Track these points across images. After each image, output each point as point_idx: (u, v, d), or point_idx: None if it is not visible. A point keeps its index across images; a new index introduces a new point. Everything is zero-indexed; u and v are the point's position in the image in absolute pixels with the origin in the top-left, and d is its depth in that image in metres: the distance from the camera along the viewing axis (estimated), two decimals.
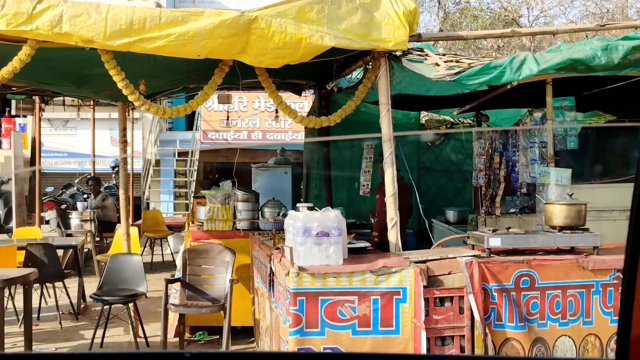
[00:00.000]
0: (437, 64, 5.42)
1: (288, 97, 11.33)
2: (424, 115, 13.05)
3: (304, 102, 15.04)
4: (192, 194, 15.53)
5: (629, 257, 0.84)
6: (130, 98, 5.18)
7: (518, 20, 23.34)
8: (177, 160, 18.20)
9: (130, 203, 14.77)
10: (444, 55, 6.04)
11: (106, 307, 7.22)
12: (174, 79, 7.07)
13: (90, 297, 7.57)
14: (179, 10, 4.96)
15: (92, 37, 4.72)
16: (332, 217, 4.92)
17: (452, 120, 10.81)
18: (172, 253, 13.11)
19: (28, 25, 4.68)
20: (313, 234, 4.85)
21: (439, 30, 22.91)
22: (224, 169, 14.68)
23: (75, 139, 18.00)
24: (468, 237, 5.44)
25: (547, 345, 4.96)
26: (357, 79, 7.30)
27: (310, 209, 5.27)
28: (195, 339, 7.60)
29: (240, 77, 5.90)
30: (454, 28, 23.43)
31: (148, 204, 16.90)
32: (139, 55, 5.04)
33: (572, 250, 5.19)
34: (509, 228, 5.38)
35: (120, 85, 5.14)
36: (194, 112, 18.01)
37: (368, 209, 8.93)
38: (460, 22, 24.37)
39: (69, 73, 6.71)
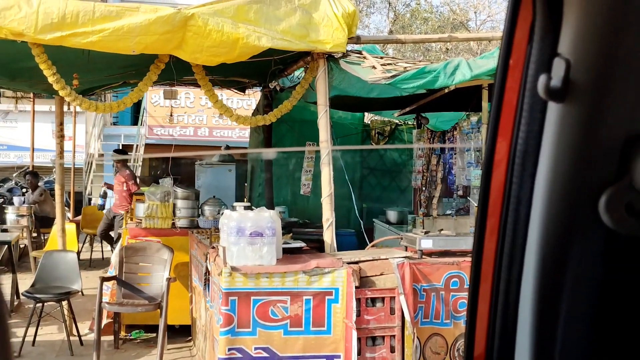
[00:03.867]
0: (374, 67, 5.48)
1: (232, 94, 11.30)
2: (371, 117, 13.16)
3: (251, 100, 15.00)
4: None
5: (475, 255, 0.88)
6: (61, 93, 5.11)
7: (466, 24, 23.74)
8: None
9: (71, 198, 14.59)
10: (381, 58, 6.12)
11: (39, 304, 7.09)
12: (112, 74, 6.98)
13: (23, 294, 7.42)
14: (113, 5, 4.91)
15: (22, 31, 4.63)
16: (266, 217, 4.94)
17: (396, 121, 10.93)
18: (112, 250, 12.92)
19: None
20: (247, 234, 4.86)
21: (389, 31, 23.12)
22: (169, 165, 14.52)
23: (15, 131, 17.53)
24: (402, 239, 5.53)
25: None
26: (299, 78, 7.33)
27: (246, 208, 5.28)
28: (131, 337, 7.52)
29: (178, 73, 5.86)
30: (404, 30, 23.66)
31: (90, 200, 16.62)
32: (73, 49, 4.97)
33: None
34: (441, 230, 5.48)
35: (51, 80, 5.06)
36: (139, 108, 17.87)
37: (311, 208, 8.98)
38: (411, 24, 24.63)
39: (1, 66, 6.56)
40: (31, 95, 11.36)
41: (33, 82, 7.47)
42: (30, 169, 13.10)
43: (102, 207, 11.34)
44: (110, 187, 11.10)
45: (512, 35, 0.79)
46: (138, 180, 11.38)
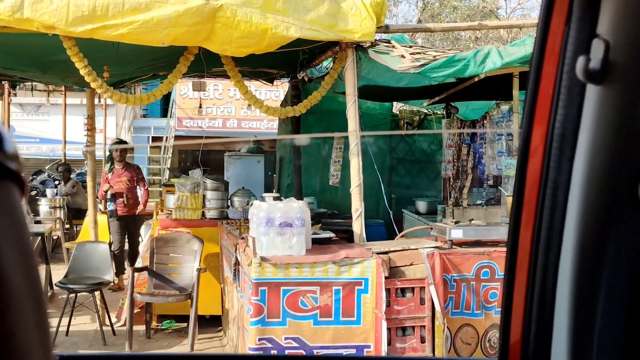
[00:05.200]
0: (402, 56, 5.45)
1: (260, 85, 11.32)
2: (401, 106, 13.09)
3: (280, 91, 15.02)
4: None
5: (510, 243, 0.87)
6: (92, 85, 5.16)
7: (496, 12, 23.47)
8: (151, 147, 18.11)
9: None
10: (410, 47, 6.07)
11: (72, 295, 7.20)
12: (141, 66, 7.03)
13: (56, 285, 7.54)
14: None
15: (53, 23, 4.68)
16: (295, 208, 4.95)
17: (425, 111, 10.86)
18: (142, 240, 13.05)
19: None
20: (276, 224, 4.87)
21: (417, 20, 22.96)
22: (198, 156, 14.63)
23: (47, 124, 17.80)
24: (431, 229, 5.50)
25: None
26: (327, 69, 7.31)
27: (275, 199, 5.29)
28: (162, 327, 7.60)
29: (207, 65, 5.88)
30: (433, 19, 23.46)
31: None
32: (103, 41, 5.01)
33: None
34: (472, 220, 5.44)
35: (82, 72, 5.12)
36: (169, 100, 18.00)
37: (340, 198, 8.97)
38: (440, 12, 24.40)
39: (33, 59, 6.64)
40: (63, 88, 11.48)
41: (64, 75, 7.56)
42: (63, 161, 13.27)
43: (113, 213, 9.07)
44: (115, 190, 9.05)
45: (550, 16, 0.77)
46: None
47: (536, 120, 0.80)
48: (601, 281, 0.76)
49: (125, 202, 9.03)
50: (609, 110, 0.73)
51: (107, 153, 9.84)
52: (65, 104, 12.42)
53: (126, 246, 9.25)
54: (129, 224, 9.15)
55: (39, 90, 12.92)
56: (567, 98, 0.76)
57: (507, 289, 0.88)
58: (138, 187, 9.24)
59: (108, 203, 9.19)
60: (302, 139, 9.46)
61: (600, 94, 0.74)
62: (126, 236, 9.19)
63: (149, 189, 18.38)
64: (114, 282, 8.28)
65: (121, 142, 9.82)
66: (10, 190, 0.55)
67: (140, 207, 9.21)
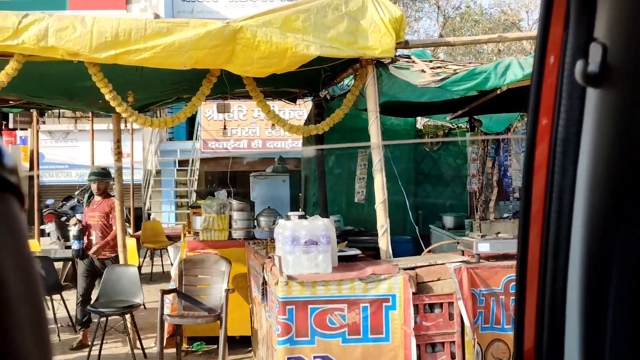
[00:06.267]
0: (423, 71, 5.46)
1: (284, 105, 11.40)
2: (426, 121, 13.07)
3: (303, 110, 15.11)
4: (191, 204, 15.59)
5: (520, 247, 0.88)
6: (118, 110, 5.25)
7: (518, 24, 23.41)
8: (177, 170, 18.27)
9: (131, 214, 14.93)
10: (430, 62, 6.09)
11: (103, 319, 7.28)
12: (165, 90, 7.14)
13: (87, 309, 7.62)
14: (164, 21, 5.03)
15: (78, 50, 4.78)
16: (320, 226, 4.96)
17: (449, 125, 10.83)
18: (171, 263, 13.15)
19: (14, 40, 4.75)
20: (302, 243, 4.89)
21: (438, 35, 22.98)
22: (224, 178, 14.76)
23: (76, 150, 18.08)
24: (458, 243, 5.47)
25: None
26: (349, 86, 7.35)
27: (301, 217, 5.31)
28: (192, 349, 7.63)
29: (230, 86, 5.96)
30: (454, 33, 23.46)
31: (149, 215, 16.97)
32: (126, 66, 5.11)
33: None
34: (498, 233, 5.41)
35: (108, 97, 5.21)
36: (194, 122, 18.19)
37: (366, 216, 8.96)
38: (461, 26, 24.41)
39: (58, 86, 6.78)
40: (90, 114, 11.67)
41: (90, 101, 7.69)
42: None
43: (79, 253, 7.93)
44: (84, 225, 8.09)
45: (548, 22, 0.79)
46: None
47: (539, 126, 0.81)
48: (610, 284, 0.76)
49: (95, 242, 7.97)
50: (609, 113, 0.74)
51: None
52: (93, 130, 12.62)
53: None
54: (98, 268, 7.95)
55: (67, 117, 13.16)
56: (568, 102, 0.77)
57: (518, 293, 0.89)
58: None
59: (73, 241, 7.99)
60: (329, 158, 9.50)
61: (599, 97, 0.75)
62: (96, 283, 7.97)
63: (177, 211, 18.60)
64: (78, 342, 7.78)
65: (102, 172, 8.45)
66: (9, 201, 0.59)
67: (96, 247, 7.91)
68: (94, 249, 7.88)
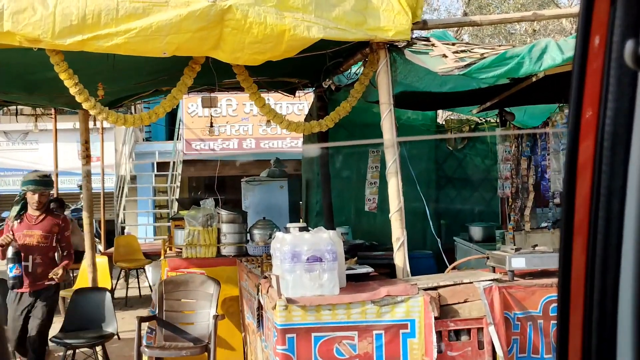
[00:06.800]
0: (444, 55, 5.46)
1: (281, 98, 11.41)
2: (448, 115, 13.05)
3: (303, 104, 15.12)
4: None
5: (562, 258, 0.87)
6: (84, 106, 5.25)
7: (557, 1, 23.42)
8: (156, 175, 18.28)
9: (102, 228, 14.96)
10: (453, 45, 6.09)
11: (69, 351, 7.28)
12: (141, 81, 7.15)
13: (51, 340, 7.62)
14: (139, 0, 5.00)
15: (38, 36, 4.78)
16: (325, 239, 4.95)
17: (476, 119, 10.84)
18: (150, 286, 13.18)
19: None
20: (303, 259, 4.88)
21: (462, 13, 23.00)
22: (211, 184, 14.78)
23: (36, 153, 18.14)
24: (488, 258, 5.47)
25: None
26: (357, 74, 7.38)
27: (302, 229, 5.31)
28: None
29: (217, 76, 5.96)
30: (481, 11, 23.48)
31: (123, 229, 16.99)
32: (95, 55, 5.11)
33: None
34: (536, 246, 5.40)
35: (72, 91, 5.21)
36: (175, 119, 18.24)
37: (379, 227, 8.96)
38: (489, 3, 24.42)
39: (17, 78, 6.79)
40: (52, 111, 11.69)
41: (53, 96, 7.71)
42: (55, 196, 13.45)
43: (17, 281, 7.07)
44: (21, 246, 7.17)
45: None
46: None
47: (584, 118, 0.81)
48: None
49: (32, 269, 7.21)
50: None
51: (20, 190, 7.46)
52: (56, 129, 12.64)
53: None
54: (33, 302, 7.25)
55: (25, 115, 13.16)
56: (616, 90, 0.77)
57: (561, 320, 0.89)
58: (60, 248, 7.50)
59: (9, 266, 7.10)
60: (334, 160, 9.49)
61: None
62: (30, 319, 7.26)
63: (156, 224, 18.59)
64: None
65: (45, 179, 7.50)
66: None
67: (55, 272, 7.20)
68: (58, 271, 7.14)
